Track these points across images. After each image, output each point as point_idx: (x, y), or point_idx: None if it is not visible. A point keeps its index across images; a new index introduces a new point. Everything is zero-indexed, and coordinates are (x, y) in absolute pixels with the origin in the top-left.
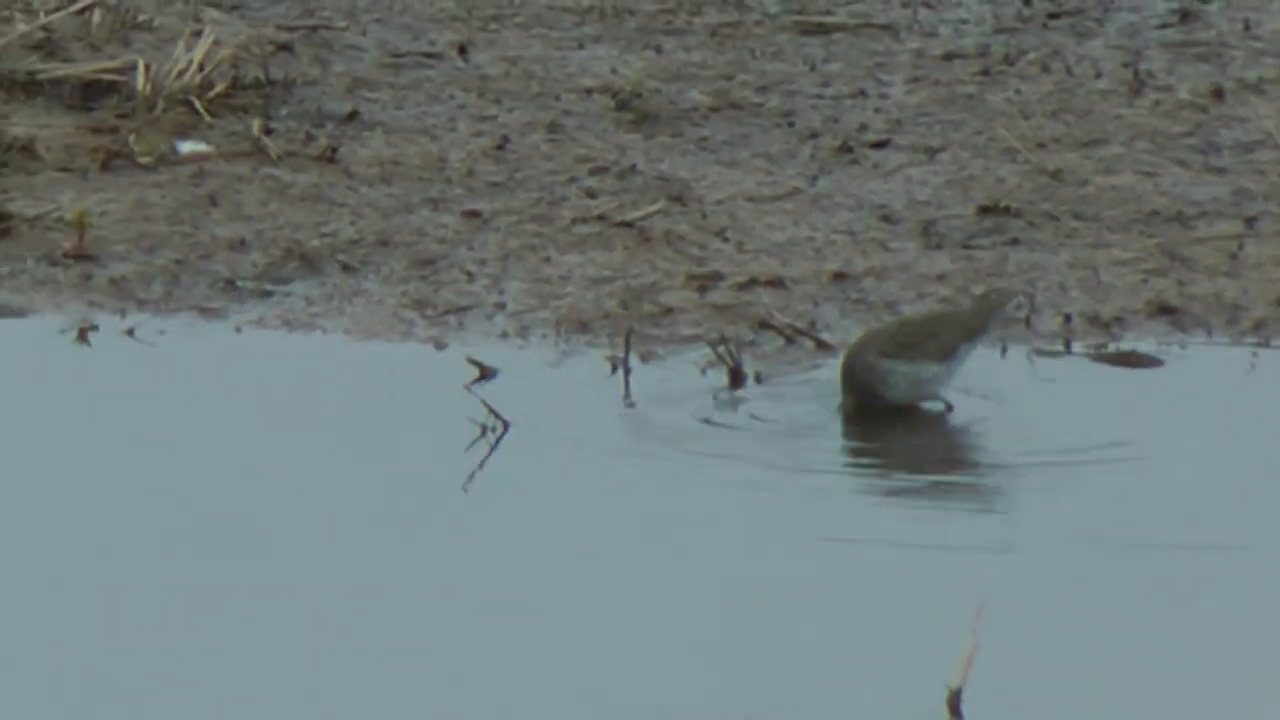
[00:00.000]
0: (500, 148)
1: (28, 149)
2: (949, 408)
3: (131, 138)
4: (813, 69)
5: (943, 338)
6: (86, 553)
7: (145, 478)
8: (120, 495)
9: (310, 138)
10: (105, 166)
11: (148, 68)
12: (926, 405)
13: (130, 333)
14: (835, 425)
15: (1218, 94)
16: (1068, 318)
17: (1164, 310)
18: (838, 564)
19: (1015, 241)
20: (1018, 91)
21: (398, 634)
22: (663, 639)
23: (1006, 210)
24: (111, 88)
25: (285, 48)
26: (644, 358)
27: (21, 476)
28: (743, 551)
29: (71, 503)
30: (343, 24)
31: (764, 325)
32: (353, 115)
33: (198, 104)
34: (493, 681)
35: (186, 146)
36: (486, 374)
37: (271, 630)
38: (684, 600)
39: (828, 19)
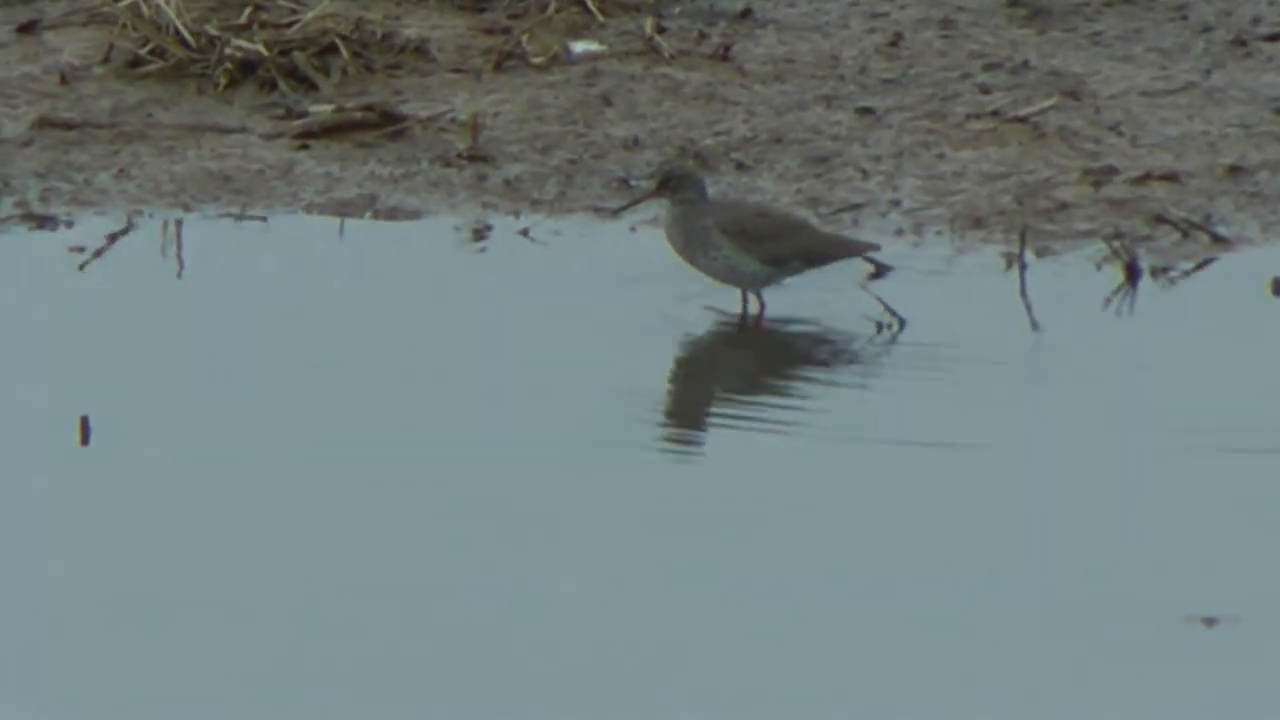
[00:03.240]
0: (893, 44)
1: (420, 51)
2: (759, 308)
3: (524, 38)
4: None
5: (781, 246)
6: (472, 449)
7: (542, 376)
8: (519, 394)
9: (703, 36)
10: (498, 67)
11: None
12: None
13: (525, 233)
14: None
15: None
16: None
17: None
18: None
19: None
20: None
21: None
22: (1095, 542)
23: None
24: None
25: None
26: (1039, 253)
27: (422, 375)
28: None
29: (470, 402)
30: None
31: (1159, 220)
32: (745, 13)
33: (590, 3)
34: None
35: (579, 46)
36: (881, 271)
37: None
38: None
39: None
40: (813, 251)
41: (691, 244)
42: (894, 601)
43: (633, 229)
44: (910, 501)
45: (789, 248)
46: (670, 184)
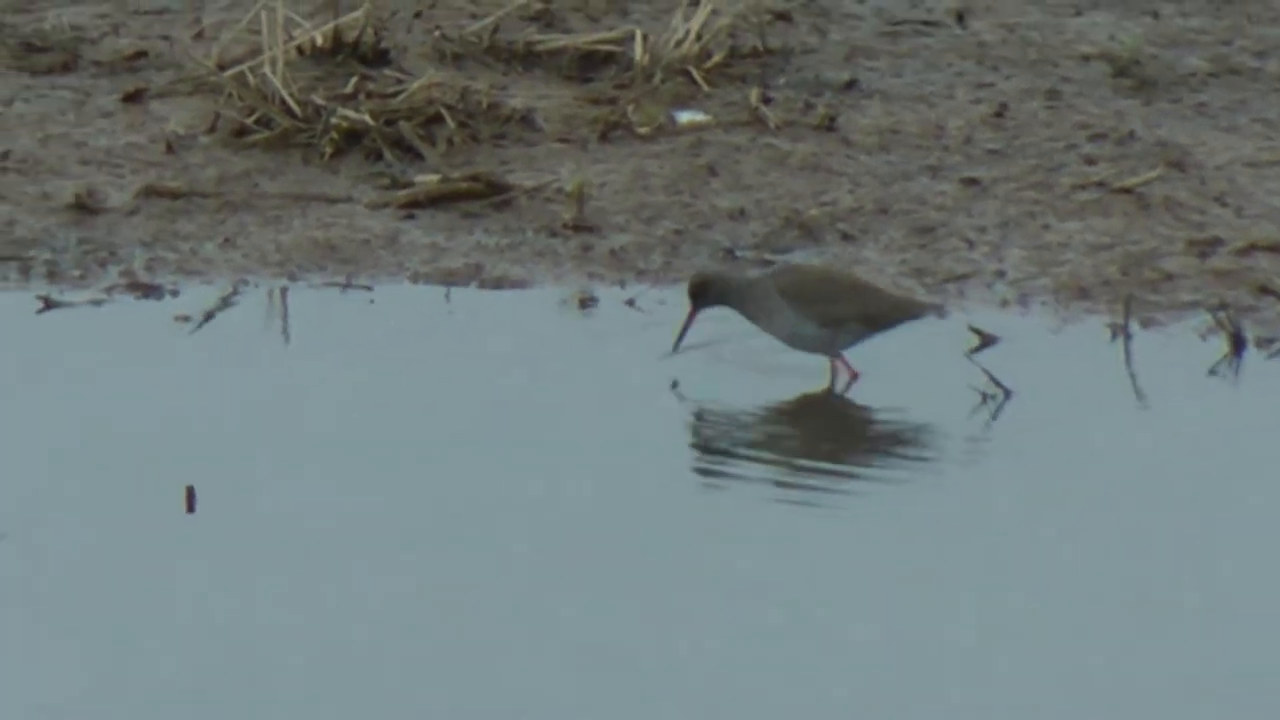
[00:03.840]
0: (999, 115)
1: (526, 121)
2: (842, 374)
3: (630, 108)
4: None
5: (839, 309)
6: (592, 513)
7: (642, 440)
8: (623, 457)
9: (809, 106)
10: (604, 137)
11: (645, 38)
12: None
13: (630, 303)
14: None
15: None
16: None
17: None
18: None
19: None
20: None
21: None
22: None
23: None
24: (609, 58)
25: (783, 16)
26: (1144, 324)
27: (523, 445)
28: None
29: (577, 466)
30: None
31: (1264, 291)
32: (851, 84)
33: (695, 74)
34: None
35: (685, 116)
36: (988, 341)
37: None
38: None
39: None
40: (871, 314)
41: (758, 310)
42: (1015, 675)
43: None
44: (1030, 570)
45: (846, 310)
46: (697, 298)
